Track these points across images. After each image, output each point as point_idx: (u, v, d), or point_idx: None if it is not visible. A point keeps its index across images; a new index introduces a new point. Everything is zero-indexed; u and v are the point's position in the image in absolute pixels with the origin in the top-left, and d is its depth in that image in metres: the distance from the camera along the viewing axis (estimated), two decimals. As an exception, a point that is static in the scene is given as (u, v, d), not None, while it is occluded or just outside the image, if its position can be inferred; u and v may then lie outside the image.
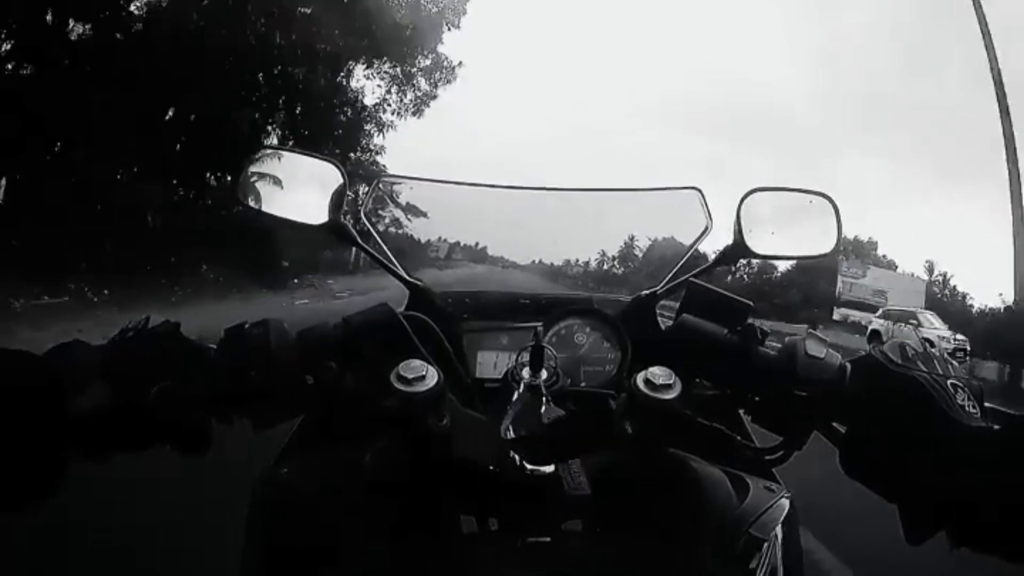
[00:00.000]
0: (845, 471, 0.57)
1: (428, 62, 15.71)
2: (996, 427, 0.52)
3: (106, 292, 9.40)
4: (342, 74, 15.07)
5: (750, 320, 0.67)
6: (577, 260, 1.38)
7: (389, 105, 15.66)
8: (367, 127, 15.75)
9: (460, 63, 16.06)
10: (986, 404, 0.55)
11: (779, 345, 0.61)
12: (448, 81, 15.99)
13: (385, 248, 0.96)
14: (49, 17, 11.10)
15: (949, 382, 0.55)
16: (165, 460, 0.69)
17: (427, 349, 0.65)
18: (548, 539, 0.56)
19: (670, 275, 0.91)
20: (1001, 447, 0.51)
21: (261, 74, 14.03)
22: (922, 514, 0.53)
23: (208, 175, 13.80)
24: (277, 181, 0.91)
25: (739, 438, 0.61)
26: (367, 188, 0.97)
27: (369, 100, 15.72)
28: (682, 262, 0.92)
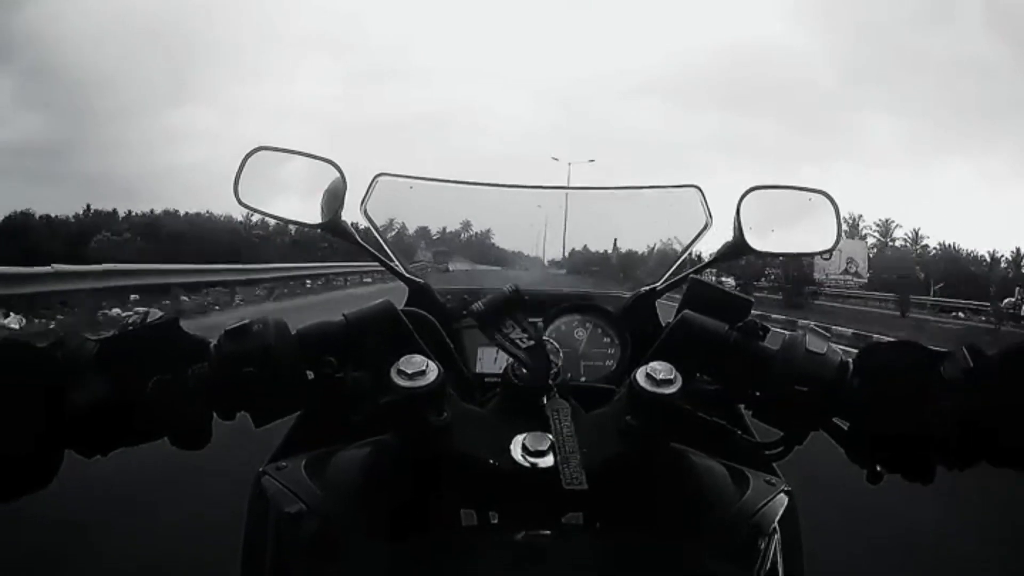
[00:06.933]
0: (852, 459, 0.57)
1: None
2: (1007, 351, 0.53)
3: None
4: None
5: (751, 316, 0.68)
6: (577, 258, 1.38)
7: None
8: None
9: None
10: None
11: (784, 335, 0.61)
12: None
13: (385, 246, 0.96)
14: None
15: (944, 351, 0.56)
16: (163, 455, 0.69)
17: (428, 345, 0.65)
18: (548, 532, 0.56)
19: (670, 271, 0.91)
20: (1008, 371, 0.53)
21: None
22: (949, 448, 0.54)
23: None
24: (275, 180, 0.92)
25: (740, 432, 0.61)
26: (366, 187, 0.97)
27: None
28: (682, 258, 0.93)
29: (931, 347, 0.57)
